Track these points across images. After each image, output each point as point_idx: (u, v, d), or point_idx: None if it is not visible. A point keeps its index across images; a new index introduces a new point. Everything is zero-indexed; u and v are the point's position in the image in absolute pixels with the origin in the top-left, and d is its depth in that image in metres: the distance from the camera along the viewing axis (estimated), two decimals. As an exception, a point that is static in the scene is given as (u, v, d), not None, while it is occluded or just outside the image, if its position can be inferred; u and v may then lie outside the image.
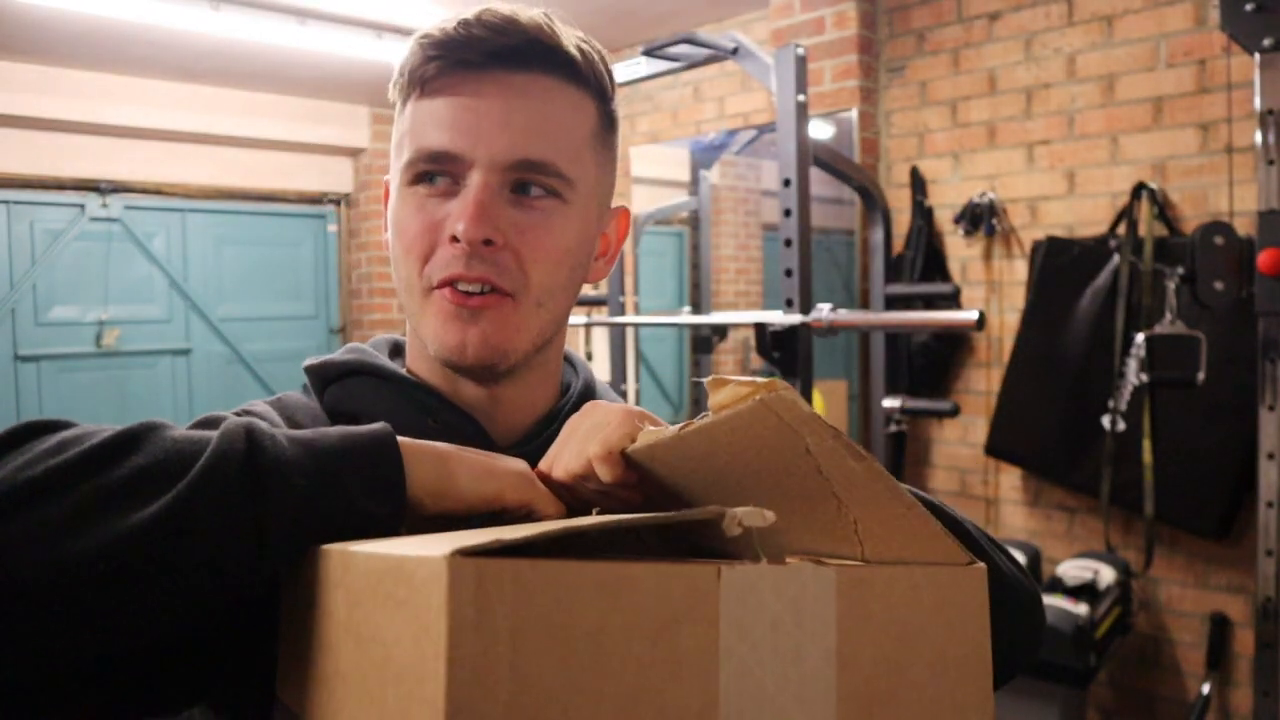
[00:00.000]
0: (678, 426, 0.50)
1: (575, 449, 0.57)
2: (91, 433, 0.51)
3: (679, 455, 0.52)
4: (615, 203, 0.76)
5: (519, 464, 0.60)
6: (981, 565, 0.48)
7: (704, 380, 0.48)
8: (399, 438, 0.56)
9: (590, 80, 0.68)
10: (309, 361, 0.75)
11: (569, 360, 0.79)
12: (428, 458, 0.56)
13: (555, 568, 0.37)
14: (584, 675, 0.37)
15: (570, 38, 0.66)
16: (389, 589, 0.40)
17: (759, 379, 0.44)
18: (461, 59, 0.64)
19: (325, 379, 0.73)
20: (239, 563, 0.49)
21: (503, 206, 0.64)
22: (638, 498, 0.56)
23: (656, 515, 0.42)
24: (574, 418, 0.61)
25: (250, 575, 0.50)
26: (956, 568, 0.48)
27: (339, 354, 0.74)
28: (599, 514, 0.57)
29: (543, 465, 0.60)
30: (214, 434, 0.51)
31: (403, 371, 0.72)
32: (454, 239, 0.63)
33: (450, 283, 0.64)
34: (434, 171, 0.65)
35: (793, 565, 0.43)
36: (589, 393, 0.76)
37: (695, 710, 0.39)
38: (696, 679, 0.39)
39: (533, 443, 0.70)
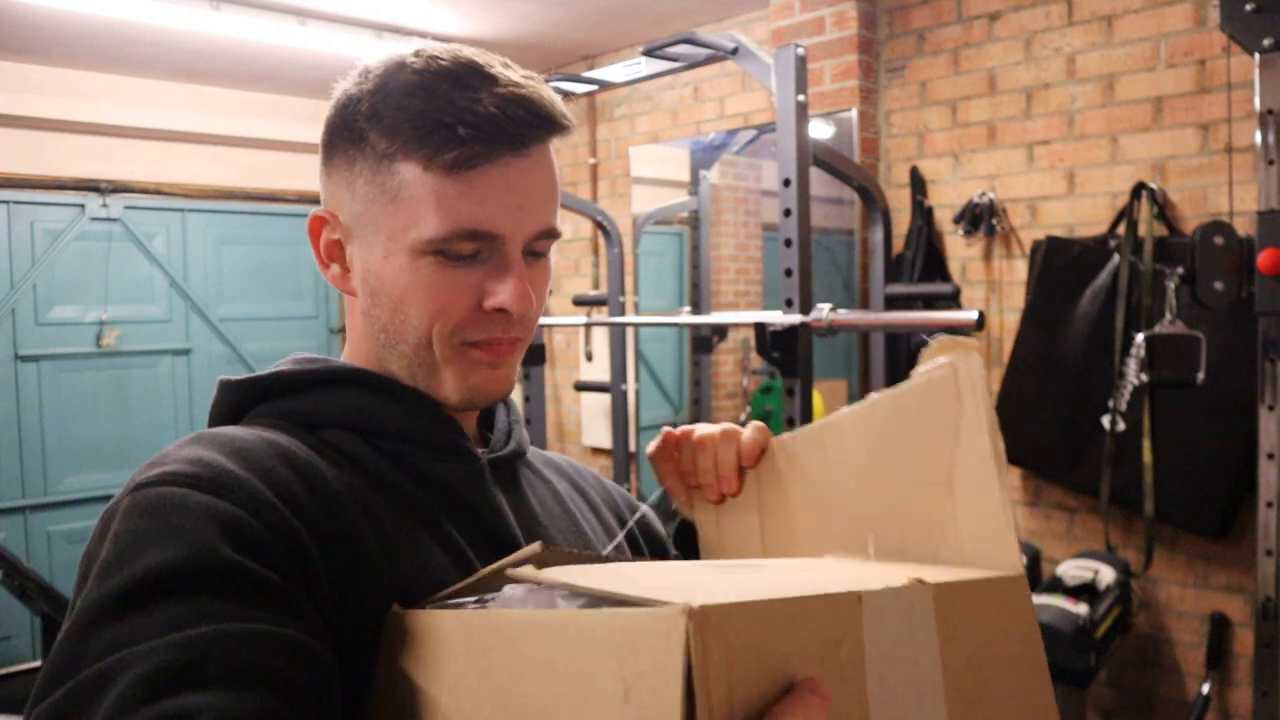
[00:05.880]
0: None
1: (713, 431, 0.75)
2: None
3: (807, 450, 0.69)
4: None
5: None
6: (1023, 575, 0.55)
7: (930, 338, 0.58)
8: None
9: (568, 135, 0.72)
10: (234, 378, 0.71)
11: None
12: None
13: (760, 608, 0.42)
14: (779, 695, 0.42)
15: (561, 102, 0.69)
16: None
17: (967, 340, 0.56)
18: (497, 146, 0.64)
19: (293, 388, 0.70)
20: None
21: (527, 271, 0.69)
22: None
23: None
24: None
25: None
26: (1005, 580, 0.55)
27: (288, 364, 0.71)
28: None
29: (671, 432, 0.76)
30: None
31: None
32: (500, 310, 0.67)
33: (486, 343, 0.69)
34: (468, 248, 0.66)
35: (905, 587, 0.48)
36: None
37: (855, 717, 0.44)
38: (852, 690, 0.44)
39: (501, 450, 0.77)
